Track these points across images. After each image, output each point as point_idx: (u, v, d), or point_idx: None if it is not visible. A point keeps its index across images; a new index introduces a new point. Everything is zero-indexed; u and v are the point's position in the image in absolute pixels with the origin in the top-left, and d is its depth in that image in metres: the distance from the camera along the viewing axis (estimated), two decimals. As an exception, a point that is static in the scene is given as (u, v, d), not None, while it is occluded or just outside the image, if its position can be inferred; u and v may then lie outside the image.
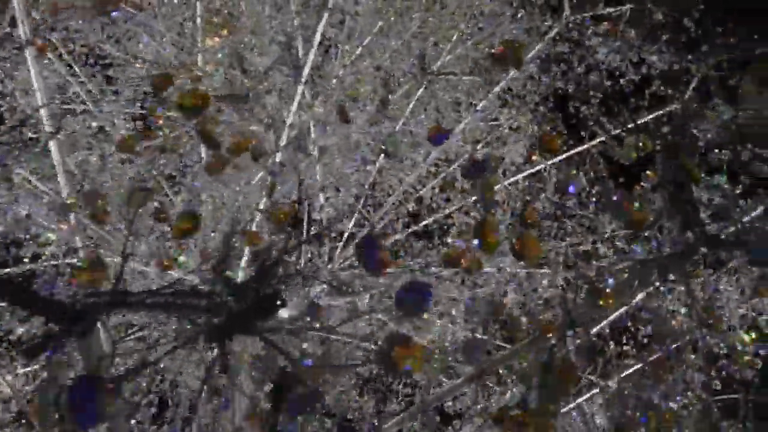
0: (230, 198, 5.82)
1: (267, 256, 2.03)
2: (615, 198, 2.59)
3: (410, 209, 8.54)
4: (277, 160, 5.17)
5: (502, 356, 4.27)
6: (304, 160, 5.20)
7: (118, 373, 2.12)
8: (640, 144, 3.29)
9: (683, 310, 4.31)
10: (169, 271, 4.39)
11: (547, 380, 2.48)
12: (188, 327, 2.10)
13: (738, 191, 3.22)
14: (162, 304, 1.92)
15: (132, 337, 4.94)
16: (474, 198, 7.95)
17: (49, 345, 1.87)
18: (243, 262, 5.00)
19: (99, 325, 2.22)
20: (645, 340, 6.86)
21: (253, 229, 4.88)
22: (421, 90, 6.53)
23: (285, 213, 3.13)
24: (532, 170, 8.00)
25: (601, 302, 2.60)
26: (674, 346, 6.74)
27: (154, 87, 3.33)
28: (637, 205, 2.67)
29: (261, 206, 5.15)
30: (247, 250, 4.96)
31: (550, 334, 2.58)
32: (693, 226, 2.36)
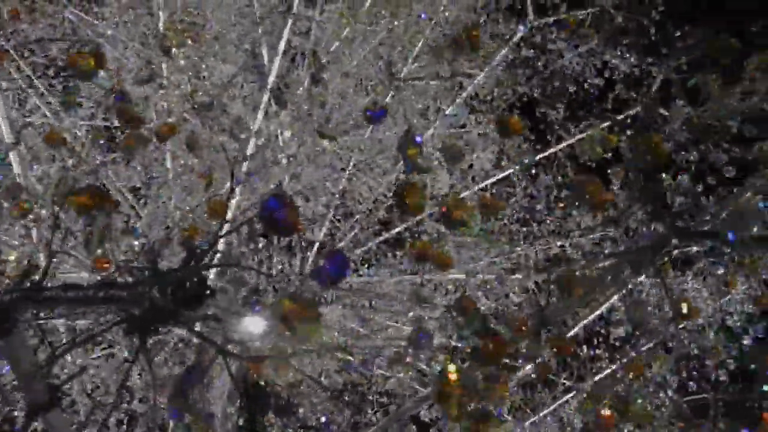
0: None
1: (192, 246, 1.96)
2: (575, 181, 2.56)
3: (381, 217, 8.51)
4: (243, 169, 5.09)
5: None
6: (274, 168, 5.13)
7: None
8: (605, 139, 3.31)
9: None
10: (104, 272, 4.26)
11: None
12: (101, 318, 2.03)
13: (700, 189, 3.24)
14: (82, 298, 1.84)
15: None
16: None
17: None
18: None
19: (23, 325, 2.13)
20: (617, 343, 6.92)
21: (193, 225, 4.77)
22: (388, 97, 6.52)
23: (221, 205, 3.07)
24: (501, 176, 8.05)
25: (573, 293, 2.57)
26: (646, 347, 6.82)
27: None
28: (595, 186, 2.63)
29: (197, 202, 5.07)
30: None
31: (523, 331, 2.55)
32: (663, 217, 2.35)
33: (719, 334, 6.12)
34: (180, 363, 6.33)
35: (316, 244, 8.09)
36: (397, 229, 8.40)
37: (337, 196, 7.85)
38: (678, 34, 8.16)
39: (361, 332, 7.82)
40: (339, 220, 8.44)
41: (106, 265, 3.74)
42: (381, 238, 8.43)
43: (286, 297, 1.79)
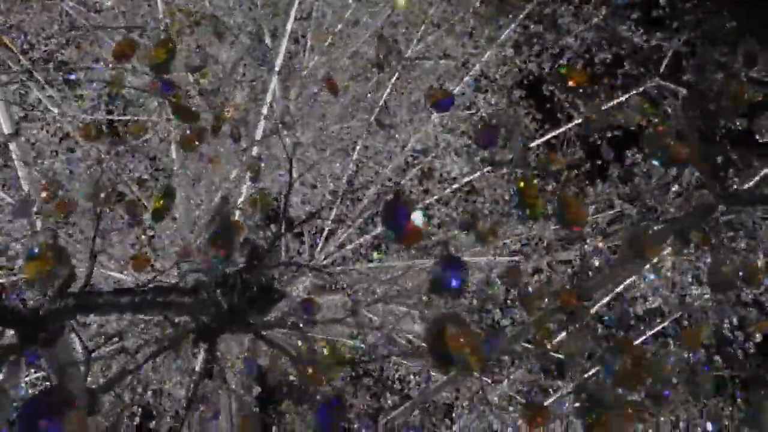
0: (207, 196, 5.62)
1: (255, 244, 1.83)
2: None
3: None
4: (254, 153, 5.00)
5: (514, 335, 4.16)
6: (286, 147, 5.01)
7: (95, 385, 1.94)
8: (643, 107, 3.20)
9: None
10: (144, 273, 4.17)
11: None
12: (170, 329, 1.91)
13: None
14: (137, 304, 1.71)
15: (111, 347, 4.71)
16: (453, 188, 7.87)
17: (7, 357, 1.67)
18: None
19: (68, 332, 2.03)
20: (632, 322, 6.85)
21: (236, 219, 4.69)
22: (394, 78, 6.39)
23: (269, 199, 2.96)
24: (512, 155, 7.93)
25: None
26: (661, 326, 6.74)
27: (116, 56, 3.13)
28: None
29: (244, 192, 4.96)
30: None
31: (570, 303, 2.46)
32: (714, 181, 2.25)
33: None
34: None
35: (326, 231, 8.01)
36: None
37: (344, 181, 7.74)
38: (688, 5, 8.03)
39: (373, 318, 7.76)
40: (347, 206, 8.34)
41: (146, 265, 3.66)
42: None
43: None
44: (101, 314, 1.74)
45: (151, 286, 1.83)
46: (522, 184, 2.16)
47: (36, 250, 1.73)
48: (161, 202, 2.67)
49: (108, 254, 5.78)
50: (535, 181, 2.23)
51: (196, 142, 3.09)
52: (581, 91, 7.59)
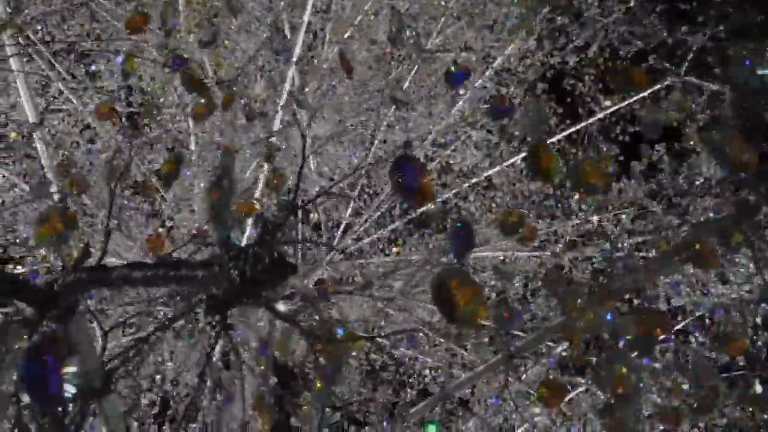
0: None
1: (268, 218, 1.81)
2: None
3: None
4: (272, 139, 4.98)
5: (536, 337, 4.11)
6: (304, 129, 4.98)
7: (112, 364, 1.92)
8: (681, 103, 3.09)
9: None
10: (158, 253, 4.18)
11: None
12: (182, 303, 1.89)
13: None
14: (149, 278, 1.69)
15: (128, 335, 4.72)
16: (472, 182, 7.79)
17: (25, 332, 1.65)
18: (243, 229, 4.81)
19: (84, 310, 2.01)
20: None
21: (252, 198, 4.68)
22: (414, 71, 6.34)
23: (284, 178, 2.94)
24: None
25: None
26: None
27: (129, 29, 3.14)
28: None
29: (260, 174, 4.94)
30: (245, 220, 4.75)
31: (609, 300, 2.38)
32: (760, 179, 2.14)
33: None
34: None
35: (343, 224, 7.98)
36: (422, 209, 8.25)
37: (362, 174, 7.70)
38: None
39: (390, 314, 7.71)
40: (365, 200, 8.31)
41: (162, 245, 3.67)
42: (407, 218, 8.29)
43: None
44: (114, 288, 1.72)
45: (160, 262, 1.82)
46: (537, 146, 2.09)
47: (45, 214, 1.73)
48: (171, 165, 2.68)
49: (126, 244, 5.80)
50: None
51: (208, 113, 3.09)
52: (603, 86, 7.49)
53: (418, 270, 7.26)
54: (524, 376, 5.76)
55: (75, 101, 7.28)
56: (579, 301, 2.32)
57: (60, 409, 1.54)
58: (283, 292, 1.78)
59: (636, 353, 2.09)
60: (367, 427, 6.80)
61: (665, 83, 7.52)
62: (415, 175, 1.68)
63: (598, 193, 2.36)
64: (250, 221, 4.60)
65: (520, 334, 4.49)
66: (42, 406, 1.50)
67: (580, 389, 6.39)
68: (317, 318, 1.85)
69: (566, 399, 5.74)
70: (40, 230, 1.75)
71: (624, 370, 1.99)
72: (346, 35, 6.26)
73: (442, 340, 6.39)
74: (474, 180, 7.45)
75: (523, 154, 8.07)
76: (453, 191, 7.92)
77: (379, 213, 8.27)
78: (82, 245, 1.83)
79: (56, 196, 4.53)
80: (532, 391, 5.64)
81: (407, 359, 8.20)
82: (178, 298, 1.84)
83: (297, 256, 5.79)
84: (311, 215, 6.92)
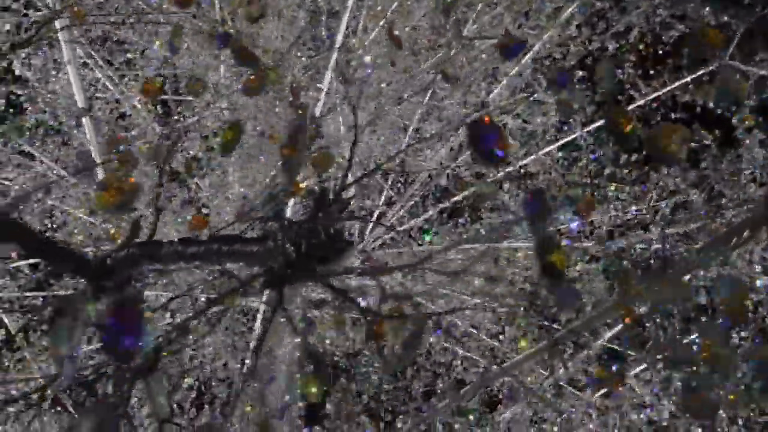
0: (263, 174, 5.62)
1: (322, 193, 1.78)
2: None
3: (440, 185, 8.29)
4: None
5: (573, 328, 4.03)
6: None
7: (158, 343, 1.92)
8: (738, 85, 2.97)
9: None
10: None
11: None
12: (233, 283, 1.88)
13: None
14: (203, 253, 1.68)
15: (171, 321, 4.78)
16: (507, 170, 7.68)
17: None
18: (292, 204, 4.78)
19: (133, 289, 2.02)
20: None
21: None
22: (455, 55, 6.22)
23: (327, 157, 2.90)
24: (568, 139, 7.70)
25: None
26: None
27: (177, 3, 3.15)
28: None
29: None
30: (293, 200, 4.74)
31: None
32: None
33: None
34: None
35: (376, 213, 7.95)
36: (456, 198, 8.18)
37: (396, 163, 7.66)
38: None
39: (422, 303, 7.67)
40: (398, 190, 8.27)
41: (204, 225, 3.68)
42: (441, 206, 8.23)
43: None
44: (167, 263, 1.71)
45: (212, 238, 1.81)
46: (615, 110, 2.03)
47: (104, 182, 1.73)
48: (232, 133, 2.67)
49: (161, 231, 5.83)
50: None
51: (260, 86, 3.06)
52: (645, 71, 7.29)
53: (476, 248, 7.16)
54: (569, 363, 5.67)
55: (112, 89, 7.36)
56: (634, 282, 2.26)
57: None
58: (340, 269, 1.75)
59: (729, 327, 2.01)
60: (401, 416, 6.79)
61: (710, 68, 7.31)
62: (495, 139, 1.65)
63: (674, 163, 2.28)
64: (292, 201, 4.59)
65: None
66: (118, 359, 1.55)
67: (640, 368, 6.17)
68: (380, 295, 1.82)
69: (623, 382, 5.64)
70: (100, 197, 1.75)
71: (714, 343, 1.92)
72: (382, 23, 6.19)
73: (502, 309, 6.33)
74: (509, 169, 7.35)
75: (561, 142, 7.97)
76: (490, 179, 7.83)
77: (411, 202, 8.23)
78: (132, 221, 1.83)
79: (101, 175, 4.58)
80: (582, 376, 5.57)
81: (437, 348, 8.16)
82: (232, 274, 1.83)
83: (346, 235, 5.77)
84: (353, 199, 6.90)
